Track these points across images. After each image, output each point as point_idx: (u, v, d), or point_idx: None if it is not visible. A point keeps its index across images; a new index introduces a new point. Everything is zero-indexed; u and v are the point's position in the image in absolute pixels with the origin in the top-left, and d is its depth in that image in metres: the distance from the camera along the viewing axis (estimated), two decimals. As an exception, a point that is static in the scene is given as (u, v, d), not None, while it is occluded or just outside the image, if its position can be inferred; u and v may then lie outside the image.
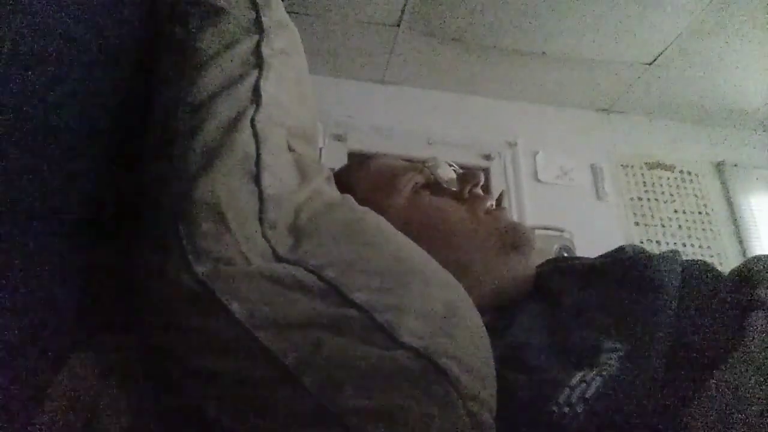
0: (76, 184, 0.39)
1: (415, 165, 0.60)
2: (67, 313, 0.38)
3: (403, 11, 1.94)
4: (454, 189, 0.59)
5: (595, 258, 0.59)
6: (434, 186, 0.59)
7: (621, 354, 0.38)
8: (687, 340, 0.39)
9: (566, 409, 0.35)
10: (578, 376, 0.37)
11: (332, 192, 0.45)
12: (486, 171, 2.29)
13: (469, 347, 0.35)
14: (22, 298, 0.33)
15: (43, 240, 0.35)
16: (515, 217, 2.16)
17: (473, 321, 0.39)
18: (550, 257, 0.71)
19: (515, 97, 2.48)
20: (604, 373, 0.37)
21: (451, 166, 0.65)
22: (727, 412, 0.32)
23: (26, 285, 0.33)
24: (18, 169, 0.31)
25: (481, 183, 0.60)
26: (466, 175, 0.61)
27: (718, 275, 0.48)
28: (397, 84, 2.38)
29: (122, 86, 0.45)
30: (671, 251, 0.52)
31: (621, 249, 0.57)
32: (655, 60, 2.17)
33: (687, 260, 0.50)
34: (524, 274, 0.54)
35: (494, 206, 0.59)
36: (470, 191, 0.59)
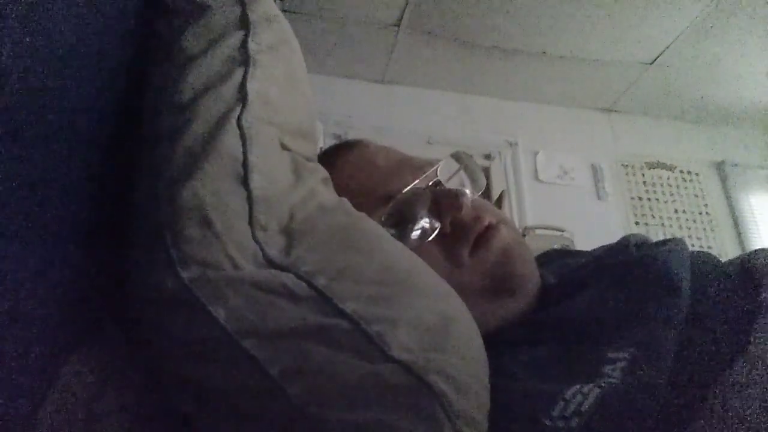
0: (76, 183, 0.39)
1: (387, 195, 0.49)
2: (67, 312, 0.38)
3: (403, 11, 1.94)
4: (431, 225, 0.48)
5: (599, 253, 0.55)
6: (403, 226, 0.48)
7: (624, 364, 0.37)
8: (693, 346, 0.37)
9: (560, 423, 0.33)
10: (575, 388, 0.35)
11: (328, 194, 0.43)
12: (486, 171, 2.29)
13: (462, 363, 0.34)
14: (21, 299, 0.33)
15: (43, 239, 0.35)
16: (515, 218, 2.15)
17: (468, 334, 0.37)
18: (549, 250, 0.68)
19: (515, 97, 2.48)
20: (604, 384, 0.35)
21: (462, 160, 0.55)
22: (734, 422, 0.31)
23: (25, 285, 0.33)
24: (16, 171, 0.31)
25: (465, 206, 0.49)
26: (443, 205, 0.49)
27: (722, 271, 0.46)
28: (397, 84, 2.38)
29: (119, 87, 0.44)
30: (677, 241, 0.49)
31: (624, 242, 0.53)
32: (655, 60, 2.17)
33: (692, 253, 0.48)
34: (515, 314, 0.47)
35: (487, 227, 0.49)
36: (452, 222, 0.49)
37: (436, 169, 0.51)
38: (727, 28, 1.98)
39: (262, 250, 0.35)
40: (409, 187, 0.50)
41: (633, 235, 0.55)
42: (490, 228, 0.49)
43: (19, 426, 0.33)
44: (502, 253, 0.48)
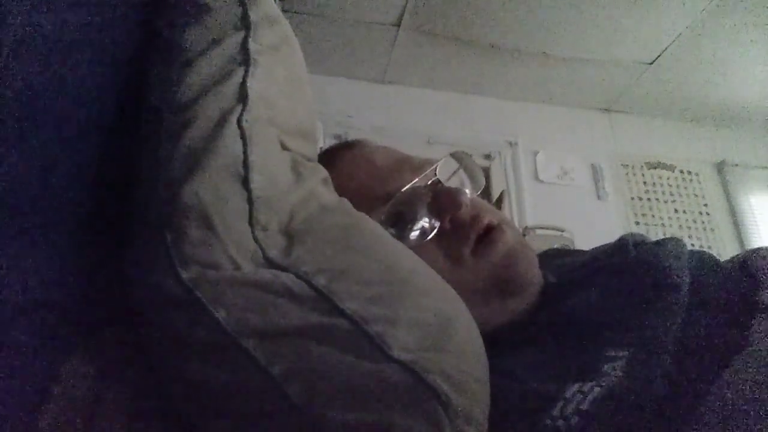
0: (76, 183, 0.39)
1: (386, 194, 0.49)
2: (67, 312, 0.38)
3: (403, 11, 1.94)
4: (430, 224, 0.48)
5: (598, 252, 0.55)
6: (403, 224, 0.48)
7: (624, 363, 0.37)
8: (692, 344, 0.38)
9: (560, 422, 0.34)
10: (575, 387, 0.36)
11: (328, 194, 0.43)
12: (486, 171, 2.29)
13: (462, 362, 0.34)
14: (21, 299, 0.33)
15: (43, 239, 0.35)
16: (515, 218, 2.15)
17: (468, 334, 0.37)
18: (547, 249, 0.68)
19: (515, 96, 2.48)
20: (603, 383, 0.36)
21: (460, 159, 0.55)
22: (731, 419, 0.32)
23: (25, 285, 0.33)
24: (17, 172, 0.31)
25: (464, 204, 0.48)
26: (443, 203, 0.49)
27: (720, 270, 0.46)
28: (397, 84, 2.38)
29: (120, 88, 0.44)
30: (675, 241, 0.49)
31: (623, 241, 0.53)
32: (655, 60, 2.17)
33: (690, 252, 0.48)
34: (515, 314, 0.47)
35: (488, 227, 0.49)
36: (452, 220, 0.49)
37: (435, 168, 0.51)
38: (727, 29, 1.98)
39: (262, 250, 0.35)
40: (408, 186, 0.50)
41: (631, 234, 0.55)
42: (493, 229, 0.49)
43: (20, 426, 0.33)
44: (507, 256, 0.48)
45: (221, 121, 0.38)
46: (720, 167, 2.57)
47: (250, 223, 0.36)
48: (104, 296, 0.42)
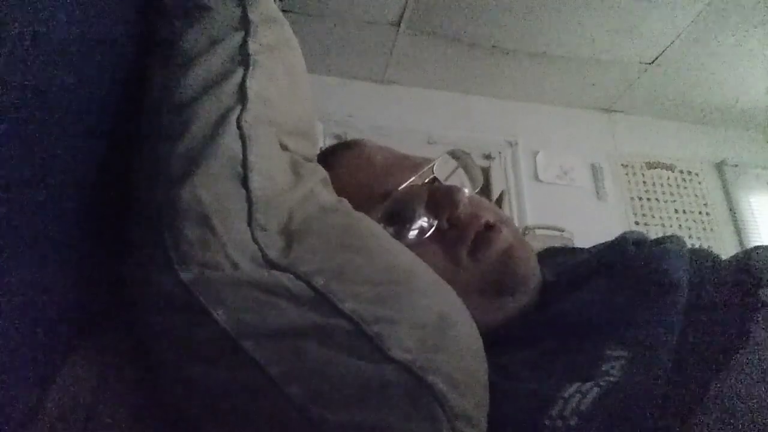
0: (75, 184, 0.39)
1: (384, 193, 0.49)
2: (66, 314, 0.38)
3: (403, 11, 1.94)
4: (428, 223, 0.48)
5: (597, 250, 0.55)
6: (401, 223, 0.47)
7: (624, 362, 0.37)
8: (692, 343, 0.38)
9: (559, 423, 0.34)
10: (573, 387, 0.36)
11: (328, 195, 0.44)
12: (486, 171, 2.29)
13: (461, 362, 0.34)
14: (20, 300, 0.33)
15: (42, 240, 0.35)
16: (515, 218, 2.15)
17: (467, 334, 0.37)
18: (548, 247, 0.68)
19: (515, 97, 2.48)
20: (603, 383, 0.36)
21: (457, 157, 0.55)
22: (731, 417, 0.32)
23: (25, 286, 0.33)
24: (18, 171, 0.31)
25: (462, 203, 0.48)
26: (440, 201, 0.48)
27: (720, 268, 0.46)
28: (397, 84, 2.38)
29: (120, 88, 0.44)
30: (675, 239, 0.49)
31: (622, 240, 0.53)
32: (655, 60, 2.17)
33: (690, 250, 0.48)
34: (514, 313, 0.47)
35: (486, 225, 0.49)
36: (449, 218, 0.49)
37: (433, 167, 0.51)
38: (726, 28, 1.98)
39: (261, 250, 0.35)
40: (405, 184, 0.50)
41: (630, 232, 0.55)
42: (490, 228, 0.49)
43: (20, 426, 0.33)
44: (504, 254, 0.48)
45: (220, 121, 0.38)
46: (720, 167, 2.57)
47: (250, 224, 0.36)
48: (103, 297, 0.42)
